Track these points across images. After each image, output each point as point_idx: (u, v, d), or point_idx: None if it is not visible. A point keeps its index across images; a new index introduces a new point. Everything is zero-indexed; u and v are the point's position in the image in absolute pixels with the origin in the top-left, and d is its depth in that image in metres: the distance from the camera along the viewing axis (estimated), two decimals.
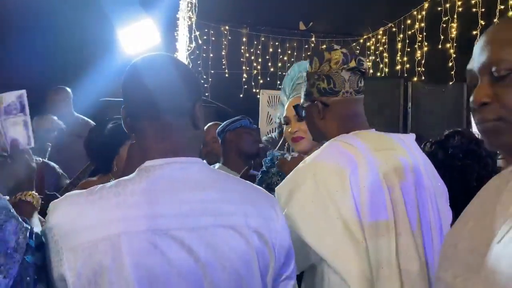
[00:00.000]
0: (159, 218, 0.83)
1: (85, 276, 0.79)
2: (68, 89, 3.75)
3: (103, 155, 1.71)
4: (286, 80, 1.84)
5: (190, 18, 4.01)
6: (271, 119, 5.75)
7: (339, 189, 1.15)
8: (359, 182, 1.15)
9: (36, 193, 1.04)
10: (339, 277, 1.13)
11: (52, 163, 2.32)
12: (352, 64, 1.29)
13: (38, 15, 4.22)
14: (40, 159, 2.29)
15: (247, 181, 1.01)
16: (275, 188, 1.27)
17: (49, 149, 2.68)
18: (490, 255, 0.70)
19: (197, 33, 4.23)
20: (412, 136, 1.35)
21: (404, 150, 1.26)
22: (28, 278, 0.78)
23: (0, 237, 0.77)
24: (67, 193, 0.89)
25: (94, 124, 3.78)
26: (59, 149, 2.74)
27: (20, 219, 0.83)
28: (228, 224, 0.87)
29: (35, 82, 3.96)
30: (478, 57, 0.77)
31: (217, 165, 2.18)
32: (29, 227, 0.83)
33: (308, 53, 5.62)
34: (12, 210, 0.82)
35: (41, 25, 4.22)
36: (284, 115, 1.82)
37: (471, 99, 0.78)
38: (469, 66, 0.80)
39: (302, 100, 1.40)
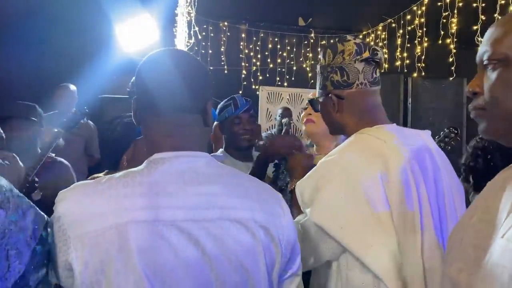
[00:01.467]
0: (166, 209, 0.83)
1: (92, 264, 0.79)
2: (73, 86, 3.73)
3: (114, 152, 1.70)
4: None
5: (189, 13, 3.98)
6: (271, 116, 5.73)
7: (370, 183, 1.12)
8: (388, 176, 1.13)
9: None
10: (358, 274, 1.13)
11: (67, 162, 2.32)
12: (366, 54, 1.26)
13: (36, 11, 4.19)
14: (54, 155, 2.29)
15: (253, 177, 1.02)
16: (297, 183, 1.25)
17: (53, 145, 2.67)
18: (494, 249, 0.71)
19: (196, 28, 4.21)
20: (428, 133, 1.34)
21: (424, 146, 1.24)
22: (32, 266, 0.79)
23: (22, 224, 0.79)
24: (75, 183, 0.90)
25: (92, 122, 3.79)
26: (56, 147, 2.73)
27: (39, 210, 0.84)
28: (235, 218, 0.88)
29: (32, 79, 3.96)
30: (479, 50, 0.83)
31: (219, 151, 2.18)
32: (46, 219, 0.84)
33: (308, 49, 5.60)
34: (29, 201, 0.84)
35: (39, 21, 4.19)
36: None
37: (466, 89, 0.87)
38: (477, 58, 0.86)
39: (317, 94, 1.37)
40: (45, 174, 2.06)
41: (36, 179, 1.99)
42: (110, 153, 1.73)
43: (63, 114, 3.04)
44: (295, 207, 1.36)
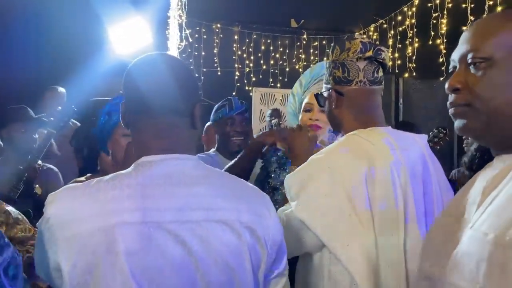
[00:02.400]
0: (153, 211, 0.85)
1: (80, 265, 0.80)
2: (62, 89, 3.72)
3: (90, 155, 1.71)
4: (306, 73, 1.86)
5: (180, 16, 3.99)
6: (264, 117, 5.75)
7: (354, 184, 1.14)
8: (374, 178, 1.15)
9: None
10: (340, 269, 1.14)
11: (56, 169, 2.32)
12: (369, 53, 1.27)
13: (28, 13, 4.18)
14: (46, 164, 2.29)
15: (240, 179, 1.03)
16: (286, 177, 1.27)
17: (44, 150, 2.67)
18: (463, 241, 0.76)
19: (188, 31, 4.22)
20: (425, 137, 1.35)
21: (418, 151, 1.25)
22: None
23: None
24: (65, 186, 0.92)
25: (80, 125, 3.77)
26: (50, 153, 2.72)
27: None
28: (221, 219, 0.89)
29: (24, 81, 3.94)
30: (460, 47, 0.83)
31: (211, 150, 2.20)
32: None
33: (300, 50, 5.62)
34: None
35: (30, 23, 4.18)
36: (306, 102, 1.82)
37: (446, 85, 0.83)
38: (452, 56, 0.85)
39: (323, 89, 1.38)
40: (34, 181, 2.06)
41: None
42: (85, 156, 1.73)
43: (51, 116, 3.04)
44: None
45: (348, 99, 1.28)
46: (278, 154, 1.84)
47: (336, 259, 1.14)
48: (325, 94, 1.34)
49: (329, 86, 1.32)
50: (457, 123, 0.83)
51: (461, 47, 0.83)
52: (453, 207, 0.86)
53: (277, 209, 1.13)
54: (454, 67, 0.85)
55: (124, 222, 0.82)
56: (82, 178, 1.69)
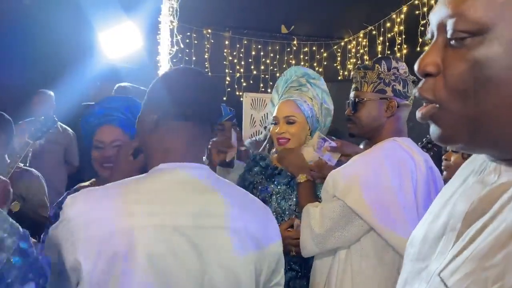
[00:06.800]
0: (171, 215, 0.89)
1: (100, 266, 0.83)
2: (50, 93, 3.70)
3: (87, 160, 1.69)
4: (281, 81, 1.86)
5: (171, 22, 4.00)
6: (255, 122, 5.77)
7: (405, 180, 1.30)
8: (417, 176, 1.32)
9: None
10: (373, 263, 1.30)
11: (36, 172, 2.27)
12: (413, 77, 1.46)
13: (18, 18, 4.16)
14: (22, 164, 2.25)
15: (245, 190, 1.09)
16: (331, 173, 1.40)
17: (30, 154, 2.63)
18: (429, 283, 0.57)
19: (179, 37, 4.23)
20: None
21: (428, 159, 1.45)
22: (9, 280, 0.80)
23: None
24: (83, 189, 0.95)
25: (71, 130, 3.74)
26: (35, 155, 2.69)
27: (12, 221, 0.85)
28: (229, 227, 0.94)
29: (14, 86, 3.91)
30: (438, 7, 0.56)
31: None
32: (23, 231, 0.87)
33: (290, 56, 5.67)
34: (3, 212, 0.85)
35: (21, 28, 4.16)
36: (274, 115, 1.82)
37: (416, 64, 0.57)
38: (430, 16, 0.58)
39: (358, 94, 1.48)
40: (14, 184, 2.01)
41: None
42: (90, 161, 1.71)
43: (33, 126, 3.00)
44: (304, 197, 1.53)
45: (400, 111, 1.45)
46: (261, 164, 1.81)
47: (368, 252, 1.30)
48: (375, 101, 1.45)
49: (384, 95, 1.44)
50: (431, 130, 0.58)
51: (440, 9, 0.55)
52: (436, 208, 0.66)
53: None
54: (432, 36, 0.57)
55: (144, 225, 0.86)
56: (86, 183, 1.68)
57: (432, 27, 0.57)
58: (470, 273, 0.49)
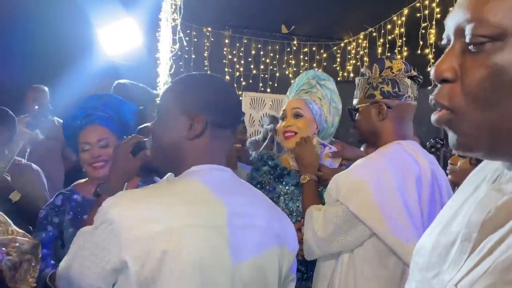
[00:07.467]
0: (211, 215, 0.94)
1: (148, 265, 0.86)
2: (45, 88, 3.67)
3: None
4: (293, 86, 1.88)
5: (174, 19, 3.97)
6: (254, 121, 5.76)
7: (408, 183, 1.29)
8: (421, 180, 1.31)
9: None
10: (375, 267, 1.29)
11: (36, 166, 2.26)
12: (413, 73, 1.42)
13: (17, 14, 4.13)
14: (21, 159, 2.23)
15: (260, 191, 1.14)
16: (334, 177, 1.38)
17: (28, 150, 2.61)
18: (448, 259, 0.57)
19: (182, 35, 4.21)
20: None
21: (434, 161, 1.45)
22: None
23: None
24: (122, 192, 1.00)
25: None
26: (32, 151, 2.67)
27: None
28: (257, 225, 0.99)
29: (13, 82, 3.88)
30: (456, 12, 0.54)
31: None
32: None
33: (290, 56, 5.66)
34: None
35: (20, 24, 4.14)
36: (282, 109, 1.83)
37: (432, 70, 0.56)
38: (446, 21, 0.57)
39: (355, 102, 1.48)
40: (14, 179, 2.00)
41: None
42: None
43: (36, 117, 2.99)
44: (307, 198, 1.53)
45: (395, 112, 1.40)
46: (269, 163, 1.81)
47: (371, 257, 1.30)
48: (366, 107, 1.43)
49: (373, 99, 1.42)
50: (450, 138, 0.57)
51: (458, 13, 0.54)
52: (445, 217, 0.64)
53: None
54: (449, 41, 0.56)
55: (188, 225, 0.90)
56: (82, 181, 1.66)
57: (449, 32, 0.56)
58: (491, 286, 0.47)
